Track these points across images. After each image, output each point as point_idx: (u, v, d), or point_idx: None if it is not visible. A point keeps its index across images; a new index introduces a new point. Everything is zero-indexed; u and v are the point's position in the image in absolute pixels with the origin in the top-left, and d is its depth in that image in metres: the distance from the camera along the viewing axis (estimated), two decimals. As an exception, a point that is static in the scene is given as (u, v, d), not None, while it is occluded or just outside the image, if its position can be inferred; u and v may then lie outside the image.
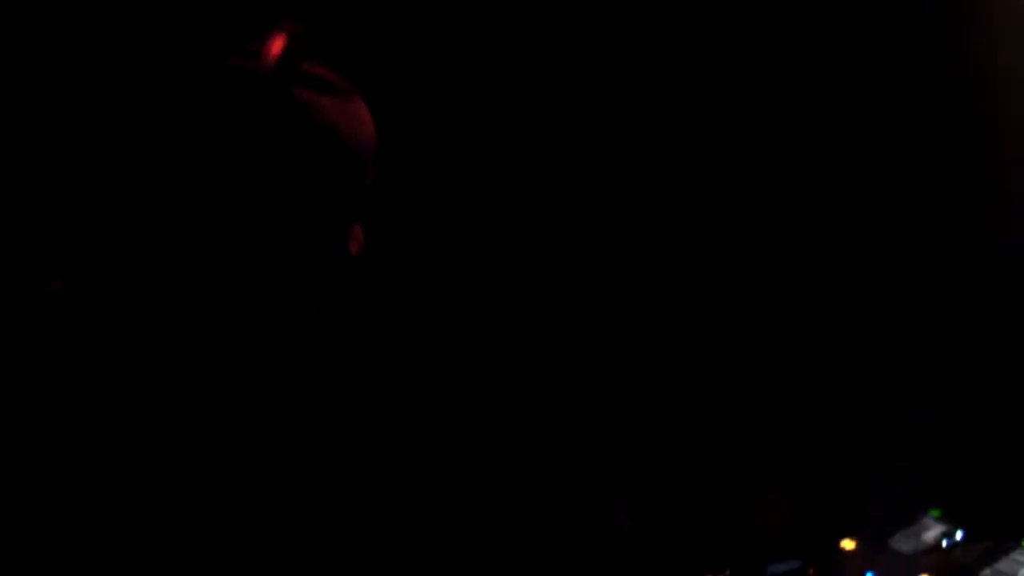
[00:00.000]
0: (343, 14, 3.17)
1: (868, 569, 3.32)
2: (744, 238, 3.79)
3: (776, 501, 3.68)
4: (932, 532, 3.39)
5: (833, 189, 3.79)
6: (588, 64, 3.64)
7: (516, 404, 3.64)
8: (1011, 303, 3.70)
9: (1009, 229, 3.63)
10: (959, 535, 3.39)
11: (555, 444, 3.69)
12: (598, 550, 3.59)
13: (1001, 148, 3.58)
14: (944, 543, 3.37)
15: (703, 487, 3.74)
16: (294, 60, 1.70)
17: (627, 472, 3.73)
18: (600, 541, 3.60)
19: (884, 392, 3.79)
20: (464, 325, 3.58)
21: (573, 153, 3.68)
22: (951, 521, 3.40)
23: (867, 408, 3.78)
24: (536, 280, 3.67)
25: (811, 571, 3.38)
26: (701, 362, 3.81)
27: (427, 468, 3.42)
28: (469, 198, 3.58)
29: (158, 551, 1.65)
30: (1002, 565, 3.21)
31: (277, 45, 1.70)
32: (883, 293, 3.82)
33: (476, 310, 3.60)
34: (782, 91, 3.73)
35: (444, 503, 3.45)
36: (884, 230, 3.80)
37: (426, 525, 3.41)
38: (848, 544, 3.43)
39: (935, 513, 3.41)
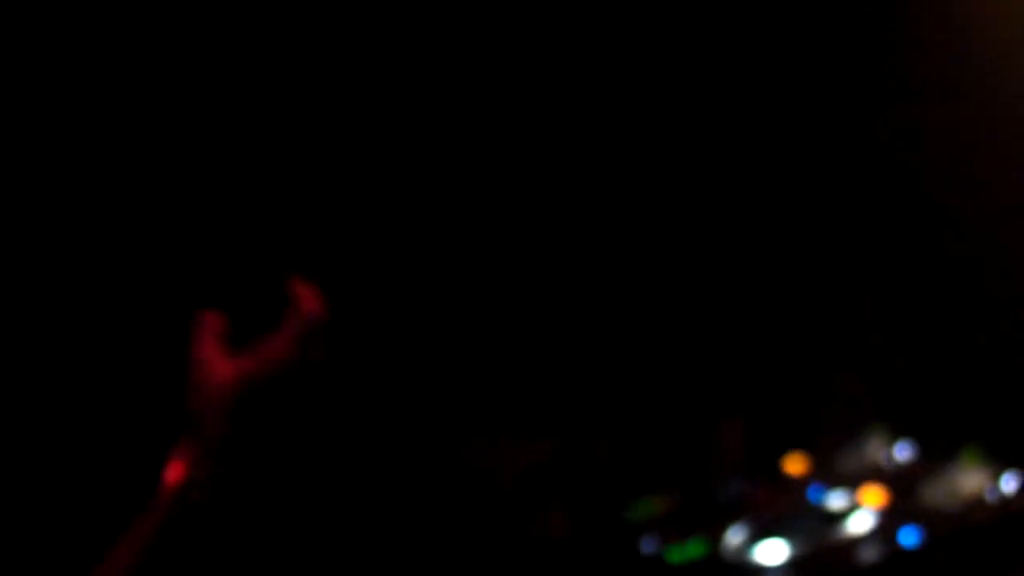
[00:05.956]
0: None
1: (814, 485, 3.36)
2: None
3: (727, 422, 3.70)
4: (878, 449, 3.43)
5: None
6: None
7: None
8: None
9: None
10: (905, 451, 3.43)
11: (536, 376, 3.69)
12: (575, 474, 3.60)
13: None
14: (889, 459, 3.41)
15: (659, 410, 3.75)
16: None
17: (603, 400, 3.73)
18: (577, 466, 3.61)
19: (832, 312, 3.81)
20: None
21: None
22: (897, 437, 3.44)
23: (815, 327, 3.80)
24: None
25: (759, 490, 3.41)
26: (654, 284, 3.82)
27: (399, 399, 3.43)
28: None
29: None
30: (946, 478, 3.25)
31: None
32: (836, 215, 3.83)
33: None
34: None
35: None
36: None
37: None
38: (795, 462, 3.46)
39: (880, 429, 3.45)
